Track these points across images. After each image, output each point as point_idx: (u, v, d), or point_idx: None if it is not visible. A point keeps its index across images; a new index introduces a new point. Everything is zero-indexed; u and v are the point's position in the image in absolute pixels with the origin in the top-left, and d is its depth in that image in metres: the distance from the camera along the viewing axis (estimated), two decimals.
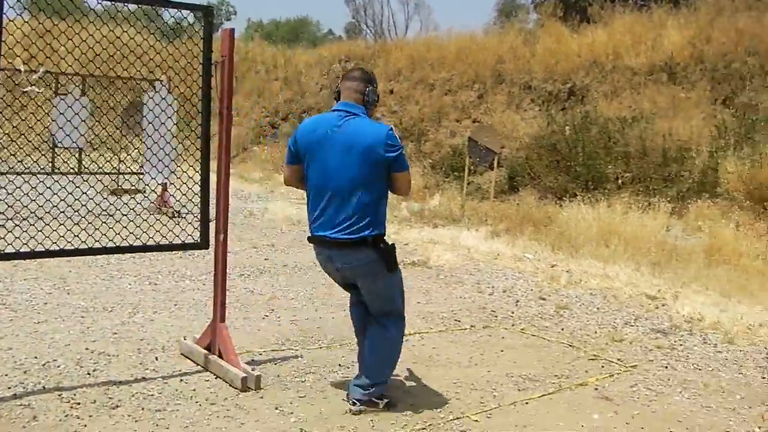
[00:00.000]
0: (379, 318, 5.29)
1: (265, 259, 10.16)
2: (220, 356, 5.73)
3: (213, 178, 5.81)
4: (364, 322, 5.44)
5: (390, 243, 5.19)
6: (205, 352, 5.86)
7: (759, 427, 5.32)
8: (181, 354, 6.14)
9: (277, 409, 5.18)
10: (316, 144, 5.01)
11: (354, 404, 5.16)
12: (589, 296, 8.96)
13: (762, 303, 8.64)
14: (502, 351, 6.79)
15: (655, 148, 13.91)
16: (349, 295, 5.60)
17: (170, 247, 5.99)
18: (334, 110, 5.06)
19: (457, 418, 5.20)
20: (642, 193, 13.12)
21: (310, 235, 5.22)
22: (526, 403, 5.55)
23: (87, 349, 6.14)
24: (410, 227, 13.25)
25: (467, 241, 11.47)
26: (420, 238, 12.15)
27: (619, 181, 13.78)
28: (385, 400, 5.21)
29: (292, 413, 5.13)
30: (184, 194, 6.19)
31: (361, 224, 4.98)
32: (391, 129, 5.01)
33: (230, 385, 5.48)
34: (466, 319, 7.38)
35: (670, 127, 14.20)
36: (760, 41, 15.35)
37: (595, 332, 7.56)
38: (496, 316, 7.74)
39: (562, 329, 7.61)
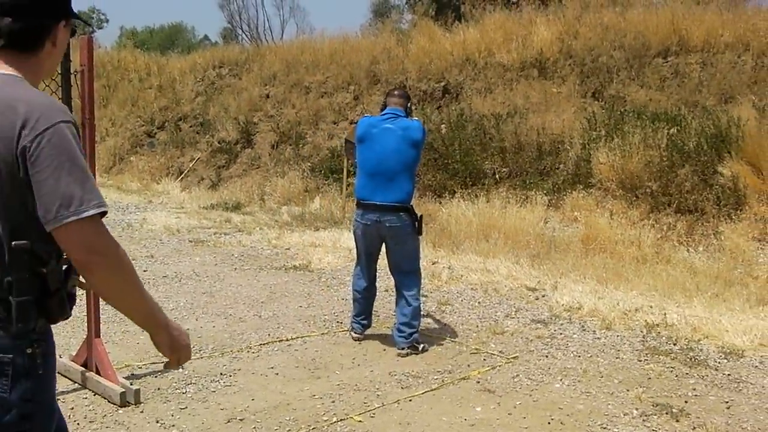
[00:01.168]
0: (404, 279, 6.83)
1: (144, 271, 9.94)
2: (98, 372, 5.59)
3: None
4: (371, 291, 7.15)
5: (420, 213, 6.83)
6: (82, 369, 5.73)
7: (636, 409, 5.47)
8: (58, 372, 5.93)
9: (158, 422, 5.10)
10: (374, 134, 6.70)
11: (402, 349, 6.69)
12: (471, 291, 9.06)
13: (637, 288, 8.88)
14: (384, 350, 6.82)
15: (530, 143, 14.13)
16: (359, 267, 7.08)
17: None
18: (384, 113, 6.85)
19: (341, 420, 5.20)
20: (519, 187, 13.31)
21: (365, 201, 6.71)
22: (410, 400, 5.58)
23: None
24: (291, 231, 13.17)
25: (348, 243, 11.44)
26: (301, 242, 12.10)
27: (497, 177, 13.94)
28: (423, 345, 6.80)
29: (173, 426, 5.07)
30: None
31: (406, 194, 6.64)
32: (425, 130, 6.95)
33: (109, 401, 5.38)
34: (348, 320, 7.35)
35: (543, 122, 14.45)
36: (624, 36, 15.78)
37: (477, 326, 7.64)
38: (378, 316, 7.74)
39: (445, 325, 7.68)
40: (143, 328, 2.65)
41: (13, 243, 2.28)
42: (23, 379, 2.38)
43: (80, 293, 8.04)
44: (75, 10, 2.71)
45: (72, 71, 5.41)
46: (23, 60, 2.43)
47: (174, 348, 2.66)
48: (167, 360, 2.71)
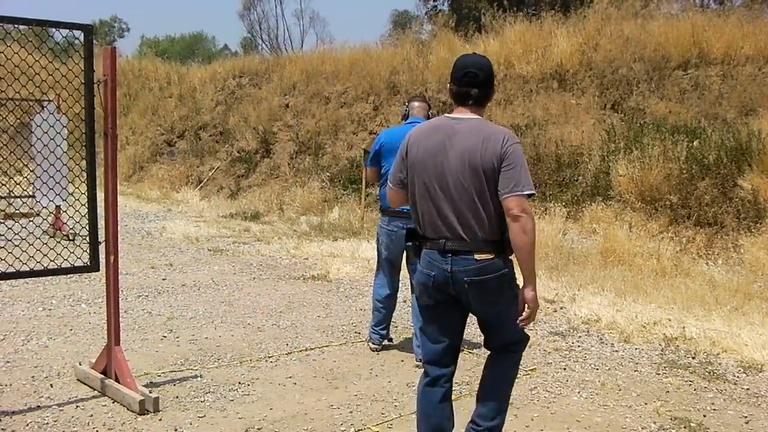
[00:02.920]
0: None
1: (163, 279, 9.99)
2: (117, 380, 5.62)
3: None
4: (392, 300, 7.16)
5: None
6: (101, 376, 5.75)
7: (654, 422, 5.44)
8: (77, 380, 6.01)
9: (176, 430, 5.13)
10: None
11: (420, 360, 6.21)
12: None
13: (655, 301, 8.84)
14: (402, 361, 6.82)
15: (549, 154, 14.13)
16: (381, 275, 7.14)
17: (60, 271, 5.83)
18: (408, 123, 6.78)
19: (359, 430, 5.22)
20: (538, 199, 13.29)
21: (391, 209, 6.66)
22: None
23: None
24: (310, 241, 13.20)
25: (367, 253, 11.46)
26: (320, 252, 12.12)
27: None
28: None
29: None
30: (82, 217, 5.99)
31: None
32: None
33: (128, 409, 5.40)
34: (367, 331, 7.36)
35: (562, 133, 14.44)
36: (644, 48, 15.75)
37: None
38: (396, 327, 7.75)
39: (464, 337, 7.64)
40: (525, 279, 4.10)
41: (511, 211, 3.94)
42: (512, 279, 4.19)
43: (99, 300, 8.08)
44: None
45: (95, 81, 5.45)
46: (480, 110, 4.25)
47: (535, 304, 4.15)
48: (524, 316, 4.14)
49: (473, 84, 4.18)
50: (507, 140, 3.99)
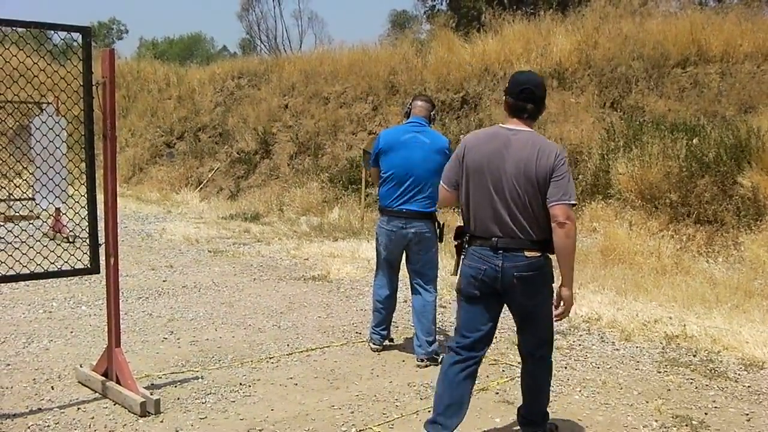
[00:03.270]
0: (424, 286, 6.86)
1: (164, 281, 10.00)
2: (118, 382, 5.62)
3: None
4: (392, 301, 7.14)
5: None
6: (102, 378, 5.75)
7: (656, 420, 5.44)
8: (78, 382, 6.01)
9: None
10: (401, 144, 6.76)
11: (422, 361, 6.70)
12: None
13: (656, 299, 8.85)
14: (403, 361, 6.82)
15: None
16: (381, 276, 7.10)
17: (60, 274, 5.83)
18: (408, 122, 6.89)
19: (360, 431, 5.20)
20: None
21: (390, 209, 6.77)
22: (429, 411, 5.54)
23: None
24: (310, 242, 13.21)
25: (367, 253, 11.46)
26: (320, 252, 12.13)
27: None
28: (443, 355, 6.00)
29: None
30: (82, 219, 5.97)
31: (430, 203, 6.70)
32: (449, 141, 7.00)
33: (129, 411, 5.40)
34: (367, 331, 7.36)
35: (561, 132, 14.42)
36: (643, 46, 15.74)
37: (496, 337, 7.57)
38: (397, 327, 7.75)
39: None
40: (563, 278, 4.63)
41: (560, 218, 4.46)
42: (552, 277, 4.73)
43: (99, 302, 8.06)
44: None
45: (93, 83, 5.44)
46: (532, 123, 4.68)
47: (570, 302, 4.70)
48: (559, 311, 4.71)
49: (529, 100, 4.63)
50: (558, 154, 4.52)
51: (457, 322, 4.92)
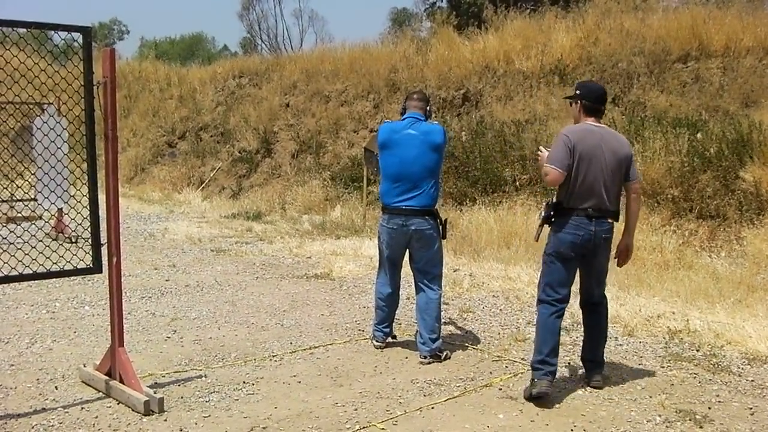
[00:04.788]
0: (428, 284, 6.88)
1: (167, 280, 10.00)
2: (121, 381, 5.62)
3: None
4: (394, 299, 7.17)
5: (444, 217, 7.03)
6: (106, 378, 5.76)
7: (659, 415, 5.44)
8: (82, 382, 6.01)
9: (181, 431, 5.13)
10: (397, 141, 6.76)
11: (425, 358, 6.72)
12: (492, 298, 9.05)
13: (659, 294, 8.85)
14: (406, 358, 6.82)
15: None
16: (383, 274, 7.13)
17: (63, 274, 5.83)
18: (406, 117, 6.89)
19: (364, 428, 5.21)
20: (540, 194, 13.27)
21: (390, 206, 6.79)
22: (432, 408, 5.58)
23: None
24: (312, 240, 13.21)
25: (369, 251, 11.46)
26: (322, 251, 12.13)
27: (517, 184, 13.93)
28: (446, 352, 6.88)
29: None
30: (84, 219, 5.97)
31: (431, 198, 6.75)
32: (445, 131, 6.99)
33: (133, 410, 5.40)
34: (370, 328, 7.36)
35: (563, 128, 14.39)
36: (644, 41, 15.73)
37: (499, 333, 7.64)
38: (400, 324, 7.75)
39: (467, 332, 7.68)
40: (628, 235, 6.12)
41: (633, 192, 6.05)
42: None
43: (102, 302, 8.07)
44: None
45: (94, 83, 5.44)
46: (600, 119, 6.00)
47: (631, 249, 6.20)
48: (625, 258, 6.21)
49: (603, 102, 6.10)
50: (629, 144, 6.06)
51: (547, 279, 5.95)
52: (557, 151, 5.79)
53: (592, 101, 5.96)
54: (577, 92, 6.04)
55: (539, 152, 6.23)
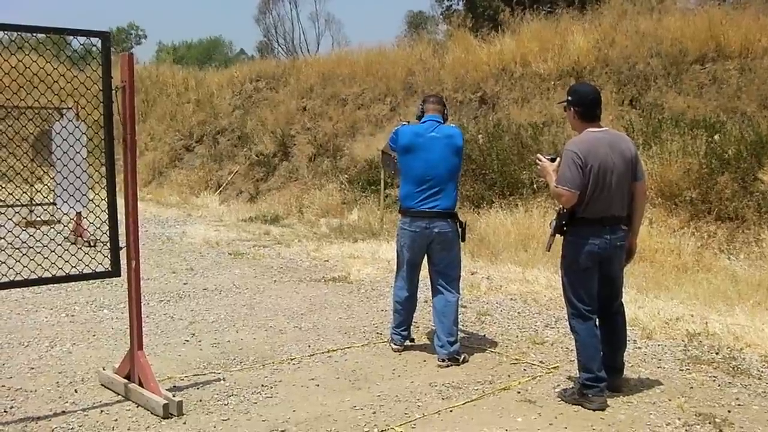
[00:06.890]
0: (447, 287, 6.88)
1: (185, 284, 10.04)
2: (140, 384, 5.64)
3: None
4: (412, 302, 7.16)
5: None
6: (125, 381, 5.78)
7: (678, 419, 5.42)
8: (101, 385, 6.04)
9: None
10: (422, 143, 6.76)
11: (443, 361, 6.69)
12: (510, 301, 9.05)
13: (677, 297, 8.81)
14: (425, 361, 6.81)
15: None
16: (401, 277, 7.09)
17: (81, 277, 5.86)
18: (425, 120, 6.91)
19: (383, 431, 5.19)
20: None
21: (413, 209, 6.78)
22: (451, 411, 5.58)
23: (3, 386, 6.03)
24: (330, 243, 13.23)
25: (387, 254, 11.47)
26: (340, 254, 12.15)
27: (534, 186, 13.90)
28: (464, 355, 6.84)
29: None
30: (102, 223, 5.99)
31: (453, 201, 6.84)
32: (462, 135, 7.03)
33: (152, 413, 5.42)
34: (388, 331, 7.36)
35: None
36: (661, 42, 15.67)
37: (517, 336, 7.63)
38: (417, 327, 7.75)
39: (484, 335, 7.67)
40: (633, 235, 5.94)
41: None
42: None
43: (121, 306, 8.09)
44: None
45: (113, 88, 5.47)
46: (599, 122, 5.77)
47: (635, 251, 6.09)
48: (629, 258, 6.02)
49: (599, 105, 5.80)
50: (633, 143, 5.96)
51: (574, 292, 5.78)
52: (568, 171, 5.57)
53: (586, 106, 5.73)
54: (569, 98, 5.82)
55: (539, 161, 6.13)
